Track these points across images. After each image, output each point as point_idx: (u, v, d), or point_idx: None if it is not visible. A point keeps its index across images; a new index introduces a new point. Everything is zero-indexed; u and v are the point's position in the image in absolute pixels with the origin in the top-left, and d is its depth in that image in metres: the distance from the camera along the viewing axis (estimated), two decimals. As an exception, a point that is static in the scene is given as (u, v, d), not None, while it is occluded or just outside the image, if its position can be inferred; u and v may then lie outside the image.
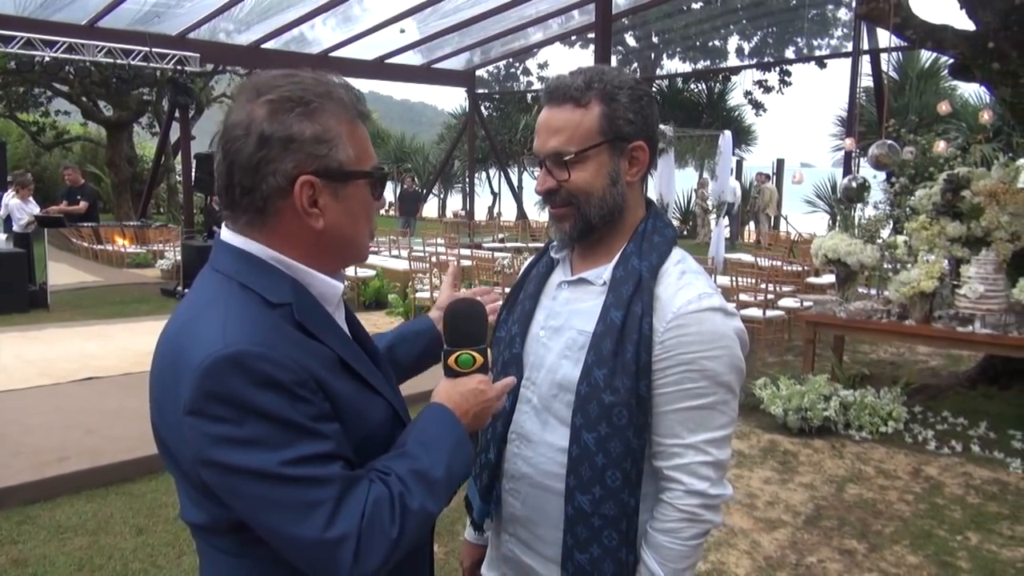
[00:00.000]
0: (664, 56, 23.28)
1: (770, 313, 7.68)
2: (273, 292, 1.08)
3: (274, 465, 0.98)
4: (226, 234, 1.13)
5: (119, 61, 10.87)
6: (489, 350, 1.26)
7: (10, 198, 11.25)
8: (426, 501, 1.07)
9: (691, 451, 1.30)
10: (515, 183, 21.94)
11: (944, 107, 6.81)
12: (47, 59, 10.56)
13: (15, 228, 10.94)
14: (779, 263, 10.17)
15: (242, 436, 0.98)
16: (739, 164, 21.23)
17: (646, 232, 1.38)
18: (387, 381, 1.24)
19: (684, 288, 1.32)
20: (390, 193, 20.36)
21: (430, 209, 25.43)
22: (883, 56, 10.26)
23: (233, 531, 1.07)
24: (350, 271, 9.80)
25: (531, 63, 24.52)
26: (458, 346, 1.24)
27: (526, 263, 1.62)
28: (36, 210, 11.30)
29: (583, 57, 20.78)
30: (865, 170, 7.82)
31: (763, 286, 7.86)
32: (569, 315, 1.40)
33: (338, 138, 1.09)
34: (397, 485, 1.06)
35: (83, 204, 11.70)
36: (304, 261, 1.12)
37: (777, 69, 21.88)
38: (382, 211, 18.11)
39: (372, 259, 11.76)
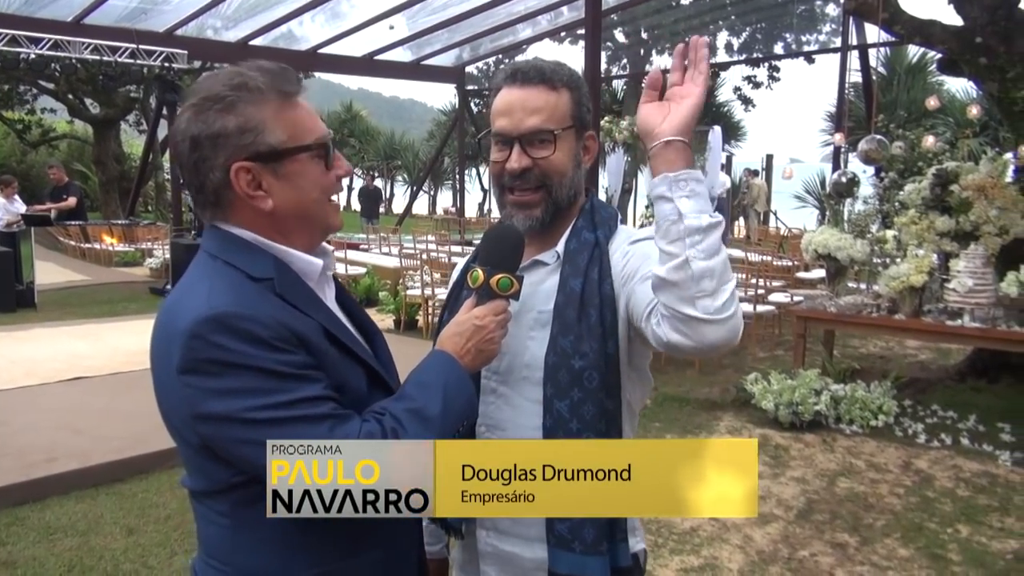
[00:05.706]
0: (653, 52, 23.21)
1: (760, 308, 7.69)
2: (255, 268, 1.15)
3: (263, 409, 1.05)
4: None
5: (106, 58, 10.74)
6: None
7: (-4, 197, 11.16)
8: (420, 435, 1.11)
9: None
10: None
11: (932, 102, 6.85)
12: (32, 56, 10.43)
13: (1, 227, 10.85)
14: (769, 258, 10.19)
15: (230, 387, 1.05)
16: (728, 160, 21.24)
17: (593, 209, 1.43)
18: (377, 357, 1.28)
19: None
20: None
21: (420, 206, 25.38)
22: (871, 51, 10.29)
23: (224, 493, 1.15)
24: (340, 269, 9.76)
25: (521, 59, 24.47)
26: (496, 268, 1.29)
27: (459, 265, 1.58)
28: (22, 209, 11.20)
29: (573, 53, 20.74)
30: (854, 165, 7.85)
31: (753, 281, 7.88)
32: (526, 297, 1.36)
33: (262, 124, 1.14)
34: (390, 422, 1.11)
35: (72, 200, 11.60)
36: (275, 239, 1.18)
37: (766, 65, 21.92)
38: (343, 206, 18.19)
39: (362, 256, 11.71)
